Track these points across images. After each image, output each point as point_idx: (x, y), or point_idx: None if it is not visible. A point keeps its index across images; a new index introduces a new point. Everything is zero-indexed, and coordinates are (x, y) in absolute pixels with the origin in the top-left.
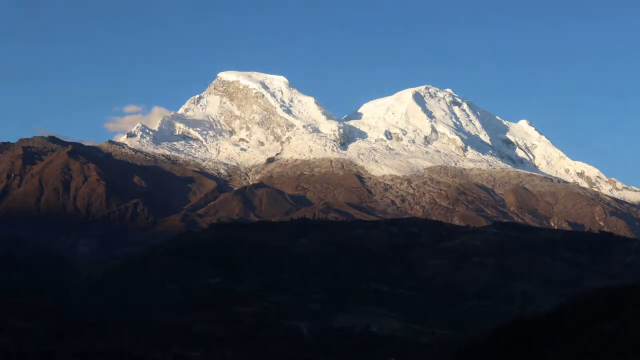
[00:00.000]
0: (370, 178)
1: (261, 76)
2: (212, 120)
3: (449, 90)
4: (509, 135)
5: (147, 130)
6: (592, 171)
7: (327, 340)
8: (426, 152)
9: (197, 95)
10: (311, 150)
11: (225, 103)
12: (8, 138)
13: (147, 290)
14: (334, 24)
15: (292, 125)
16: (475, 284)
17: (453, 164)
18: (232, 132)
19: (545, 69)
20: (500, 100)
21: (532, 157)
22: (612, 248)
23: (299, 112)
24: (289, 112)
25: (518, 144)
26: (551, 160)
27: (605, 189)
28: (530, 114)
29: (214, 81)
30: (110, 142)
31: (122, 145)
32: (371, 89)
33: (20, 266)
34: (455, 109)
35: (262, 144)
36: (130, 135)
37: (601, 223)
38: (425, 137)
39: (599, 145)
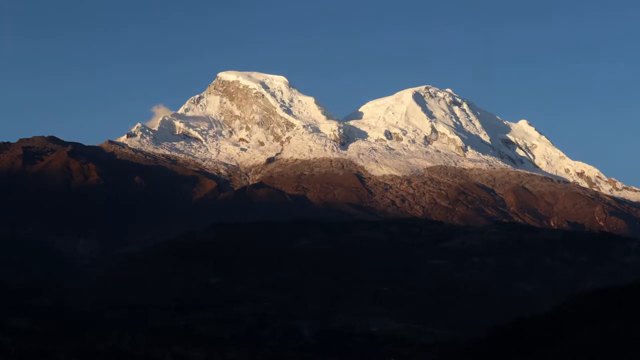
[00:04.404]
0: (370, 178)
1: (261, 76)
2: (212, 120)
3: (449, 90)
4: (509, 135)
5: (147, 130)
6: (592, 171)
7: (327, 340)
8: (426, 152)
9: (197, 95)
10: (311, 150)
11: (225, 103)
12: (8, 138)
13: (147, 290)
14: (334, 23)
15: (292, 125)
16: (475, 284)
17: (453, 164)
18: (232, 132)
19: (545, 69)
20: (500, 100)
21: (532, 157)
22: (612, 248)
23: (299, 112)
24: (289, 112)
25: (518, 144)
26: (551, 160)
27: (605, 189)
28: (530, 114)
29: (214, 81)
30: (110, 142)
31: (122, 145)
32: (371, 89)
33: (20, 266)
34: (455, 109)
35: (262, 144)
36: (130, 135)
37: (601, 223)
38: (425, 137)
39: (599, 145)
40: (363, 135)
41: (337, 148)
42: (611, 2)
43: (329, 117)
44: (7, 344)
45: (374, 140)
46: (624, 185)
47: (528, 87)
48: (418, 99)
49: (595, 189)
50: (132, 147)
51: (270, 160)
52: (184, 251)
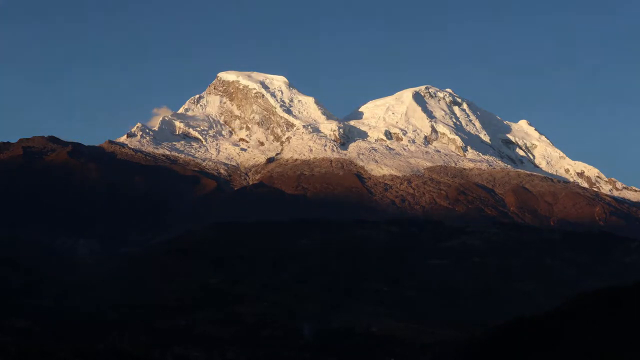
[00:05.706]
0: (370, 178)
1: (261, 76)
2: (212, 120)
3: (449, 90)
4: (509, 135)
5: (147, 130)
6: (592, 171)
7: (327, 340)
8: (426, 152)
9: (197, 95)
10: (311, 150)
11: (225, 103)
12: (8, 138)
13: (147, 290)
14: (334, 23)
15: (292, 125)
16: (475, 284)
17: (453, 164)
18: (232, 132)
19: (545, 68)
20: (500, 100)
21: (532, 157)
22: (612, 248)
23: (299, 112)
24: (289, 112)
25: (518, 144)
26: (551, 160)
27: (605, 189)
28: (530, 114)
29: (214, 81)
30: (111, 142)
31: (122, 145)
32: (371, 89)
33: (20, 266)
34: (455, 109)
35: (262, 144)
36: (130, 135)
37: (601, 223)
38: (425, 137)
39: (599, 145)
40: (363, 135)
41: (337, 148)
42: (612, 1)
43: (329, 117)
44: (7, 344)
45: (374, 140)
46: (624, 185)
47: (528, 87)
48: (418, 99)
49: (595, 189)
50: (132, 147)
51: (270, 160)
52: (184, 251)
